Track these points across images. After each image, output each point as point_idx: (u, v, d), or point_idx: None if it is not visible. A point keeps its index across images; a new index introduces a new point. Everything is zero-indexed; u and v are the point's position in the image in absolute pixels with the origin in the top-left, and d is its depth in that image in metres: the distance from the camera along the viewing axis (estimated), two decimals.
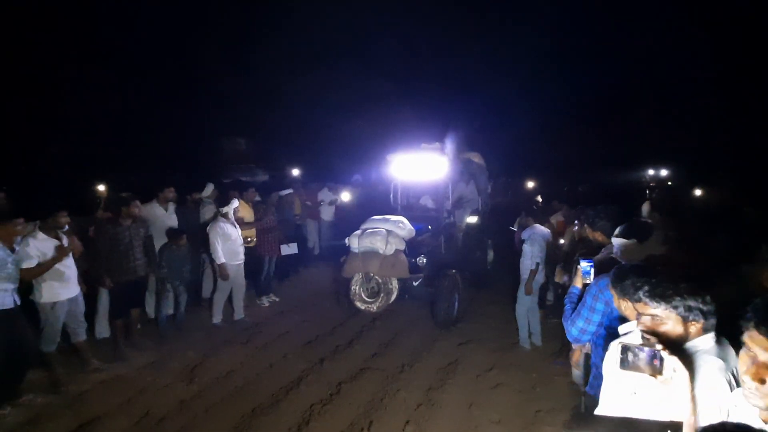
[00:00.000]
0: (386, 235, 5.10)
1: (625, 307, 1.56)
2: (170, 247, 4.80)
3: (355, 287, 5.11)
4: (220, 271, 5.14)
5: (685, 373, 1.19)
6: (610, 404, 1.52)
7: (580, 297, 2.27)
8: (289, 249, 6.30)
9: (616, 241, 2.16)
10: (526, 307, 4.69)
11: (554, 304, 5.63)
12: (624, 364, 1.25)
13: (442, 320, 5.28)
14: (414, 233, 5.49)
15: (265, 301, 6.17)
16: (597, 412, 1.56)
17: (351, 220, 6.90)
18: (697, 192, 12.35)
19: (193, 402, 3.67)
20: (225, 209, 5.21)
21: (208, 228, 5.21)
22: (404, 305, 5.75)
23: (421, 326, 5.48)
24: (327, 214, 8.53)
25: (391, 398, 3.72)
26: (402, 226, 5.36)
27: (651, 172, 21.67)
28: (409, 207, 7.06)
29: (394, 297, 5.06)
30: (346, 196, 8.75)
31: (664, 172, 20.96)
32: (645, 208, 3.56)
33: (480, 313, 5.99)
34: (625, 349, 1.24)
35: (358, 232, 5.30)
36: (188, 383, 3.96)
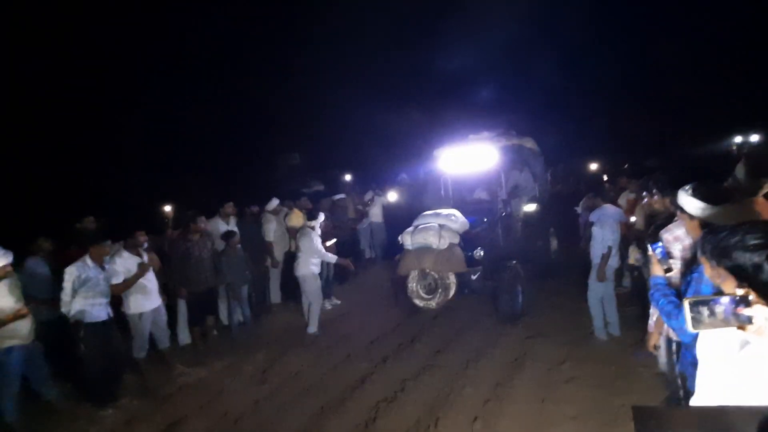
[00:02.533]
0: (438, 229, 5.01)
1: (720, 276, 1.34)
2: (227, 252, 5.09)
3: (412, 284, 5.06)
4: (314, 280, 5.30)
5: None
6: (706, 392, 1.32)
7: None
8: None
9: (687, 201, 1.85)
10: (599, 295, 4.33)
11: (631, 290, 5.16)
12: (697, 322, 1.07)
13: (506, 314, 5.06)
14: (468, 226, 5.34)
15: (327, 305, 6.32)
16: (692, 402, 1.37)
17: (401, 219, 6.88)
18: None
19: (266, 402, 3.85)
20: (313, 223, 5.40)
21: (304, 242, 5.33)
22: (465, 300, 5.59)
23: (484, 321, 5.30)
24: (374, 215, 8.51)
25: (457, 395, 3.62)
26: (454, 219, 5.23)
27: (739, 138, 19.15)
28: (462, 200, 6.88)
29: (452, 292, 4.94)
30: (392, 196, 8.73)
31: (755, 137, 18.40)
32: (740, 169, 3.08)
33: (547, 305, 5.65)
34: (696, 304, 1.07)
35: (410, 229, 5.26)
36: (261, 384, 4.17)
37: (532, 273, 5.94)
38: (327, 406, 3.68)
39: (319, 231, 5.37)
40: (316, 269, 5.40)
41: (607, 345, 4.31)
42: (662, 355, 2.74)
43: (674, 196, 2.36)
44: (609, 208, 4.31)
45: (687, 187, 1.87)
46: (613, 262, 4.26)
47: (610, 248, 4.14)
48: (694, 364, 1.90)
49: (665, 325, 2.67)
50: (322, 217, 5.49)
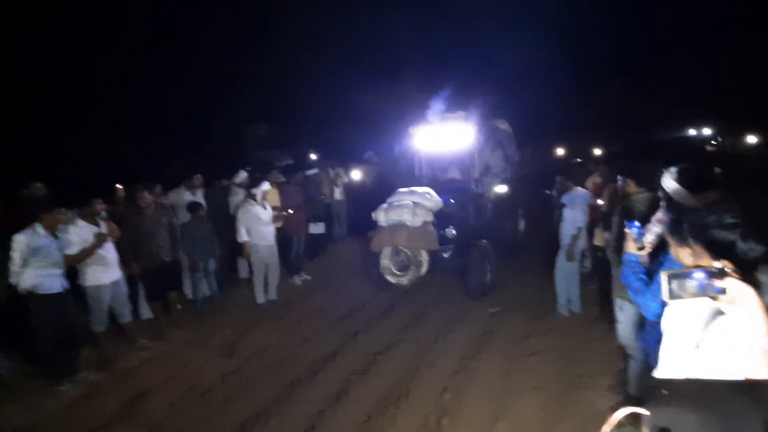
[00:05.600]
0: (413, 207, 5.01)
1: (685, 255, 1.40)
2: (192, 224, 4.88)
3: (385, 261, 5.08)
4: (243, 250, 5.19)
5: (750, 290, 1.06)
6: (671, 364, 1.39)
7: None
8: (317, 228, 6.30)
9: (670, 184, 1.90)
10: (565, 274, 4.53)
11: (592, 269, 5.42)
12: (673, 293, 1.14)
13: (475, 290, 5.20)
14: (441, 204, 5.38)
15: (297, 280, 6.27)
16: (656, 374, 1.44)
17: (369, 196, 6.81)
18: (751, 140, 11.24)
19: (234, 375, 3.80)
20: (254, 190, 5.23)
21: (237, 208, 5.28)
22: (435, 277, 5.69)
23: (454, 297, 5.42)
24: (336, 193, 8.29)
25: (427, 367, 3.71)
26: (429, 197, 5.25)
27: (692, 131, 20.32)
28: (435, 179, 6.92)
29: (424, 269, 5.00)
30: (355, 175, 8.58)
31: (707, 131, 19.57)
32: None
33: (513, 282, 5.86)
34: (673, 276, 1.13)
35: (384, 205, 5.23)
36: (228, 358, 4.09)
37: (501, 252, 6.12)
38: (297, 379, 3.68)
39: (261, 200, 5.20)
40: (265, 241, 5.25)
41: (568, 320, 4.53)
42: (620, 328, 2.90)
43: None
44: (579, 191, 4.46)
45: (672, 170, 1.89)
46: (581, 242, 4.45)
47: (579, 229, 4.31)
48: (659, 340, 1.98)
49: (622, 299, 2.83)
50: (266, 185, 5.31)
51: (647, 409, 0.96)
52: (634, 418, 2.54)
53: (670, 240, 1.49)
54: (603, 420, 2.93)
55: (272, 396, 3.43)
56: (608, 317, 4.03)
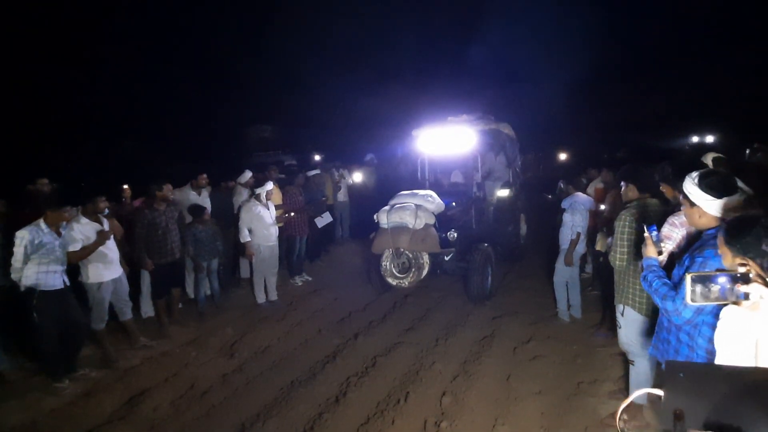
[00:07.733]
0: (415, 209, 5.01)
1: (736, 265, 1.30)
2: (195, 226, 4.90)
3: (386, 263, 5.07)
4: (246, 250, 5.23)
5: None
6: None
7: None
8: (323, 220, 6.29)
9: (692, 190, 1.80)
10: (564, 278, 4.51)
11: (593, 275, 5.41)
12: (695, 296, 1.13)
13: (476, 294, 5.18)
14: (443, 207, 5.38)
15: (298, 281, 6.27)
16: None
17: (369, 199, 6.77)
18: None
19: (234, 375, 3.79)
20: (258, 190, 5.26)
21: (240, 207, 5.30)
22: (436, 280, 5.69)
23: (455, 301, 5.41)
24: (339, 194, 8.24)
25: (426, 371, 3.69)
26: (431, 200, 5.25)
27: (695, 138, 20.24)
28: (438, 183, 6.92)
29: (425, 272, 4.99)
30: (357, 177, 8.59)
31: (709, 138, 19.46)
32: (707, 159, 3.25)
33: (515, 287, 5.85)
34: (696, 280, 1.12)
35: (386, 207, 5.23)
36: (229, 358, 4.09)
37: (502, 256, 6.11)
38: (297, 380, 3.67)
39: (265, 200, 5.25)
40: (268, 241, 5.29)
41: (569, 326, 4.51)
42: (622, 334, 2.88)
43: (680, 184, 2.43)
44: (580, 196, 4.46)
45: (693, 176, 1.83)
46: (580, 247, 4.44)
47: (578, 234, 4.30)
48: (690, 345, 1.81)
49: (624, 305, 2.81)
50: (269, 185, 5.34)
51: (663, 390, 0.96)
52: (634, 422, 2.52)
53: (726, 250, 1.36)
54: (603, 426, 2.92)
55: (272, 396, 3.43)
56: (609, 323, 4.03)
